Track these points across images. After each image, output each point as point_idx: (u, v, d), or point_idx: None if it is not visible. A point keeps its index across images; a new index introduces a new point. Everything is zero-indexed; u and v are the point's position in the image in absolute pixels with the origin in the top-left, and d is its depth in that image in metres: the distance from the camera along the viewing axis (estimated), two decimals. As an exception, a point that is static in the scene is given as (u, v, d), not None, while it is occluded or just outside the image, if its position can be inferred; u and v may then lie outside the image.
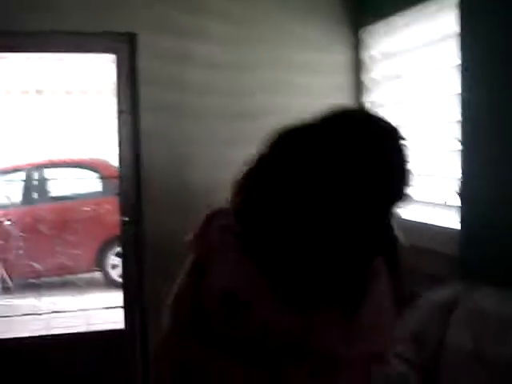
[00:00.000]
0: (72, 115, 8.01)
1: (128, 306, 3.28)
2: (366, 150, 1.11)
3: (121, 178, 3.23)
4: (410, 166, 1.17)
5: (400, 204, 1.17)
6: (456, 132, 2.39)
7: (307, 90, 3.24)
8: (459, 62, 2.35)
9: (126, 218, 3.18)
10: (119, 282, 4.57)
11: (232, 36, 3.22)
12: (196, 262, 1.27)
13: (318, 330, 1.12)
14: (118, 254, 3.43)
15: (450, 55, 2.45)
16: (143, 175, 3.13)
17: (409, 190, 1.16)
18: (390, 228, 1.21)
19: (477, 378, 1.89)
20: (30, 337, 3.53)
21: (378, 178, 1.11)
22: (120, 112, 3.17)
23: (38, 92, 7.91)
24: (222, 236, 1.23)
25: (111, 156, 5.63)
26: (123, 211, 3.22)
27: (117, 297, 4.54)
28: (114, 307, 4.52)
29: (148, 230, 3.13)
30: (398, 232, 1.23)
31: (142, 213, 3.14)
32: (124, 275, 3.34)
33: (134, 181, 3.15)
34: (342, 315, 1.13)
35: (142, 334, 3.22)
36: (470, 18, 2.32)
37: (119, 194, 3.29)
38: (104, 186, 6.76)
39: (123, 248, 3.30)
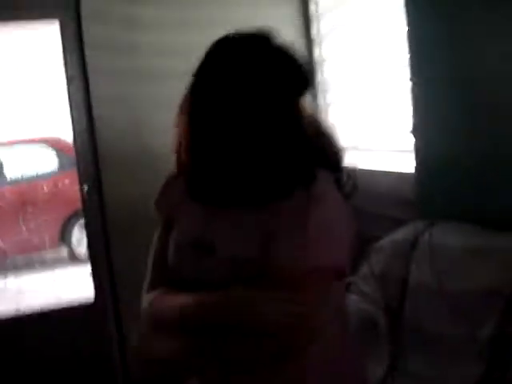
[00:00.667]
0: (16, 92, 7.80)
1: (96, 276, 3.28)
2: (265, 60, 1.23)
3: (77, 146, 3.19)
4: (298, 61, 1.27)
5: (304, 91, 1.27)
6: (406, 75, 2.42)
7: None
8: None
9: (86, 187, 3.16)
10: (85, 257, 4.54)
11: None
12: (164, 222, 1.36)
13: (278, 251, 1.17)
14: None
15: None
16: (100, 142, 3.10)
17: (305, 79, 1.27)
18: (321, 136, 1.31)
19: (440, 314, 1.94)
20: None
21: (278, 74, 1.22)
22: (70, 79, 3.11)
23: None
24: (179, 195, 1.32)
25: (64, 130, 5.53)
26: (83, 181, 3.19)
27: (84, 271, 4.54)
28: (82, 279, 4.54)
29: (109, 197, 3.12)
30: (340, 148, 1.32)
31: (101, 180, 3.13)
32: (89, 244, 3.32)
33: (91, 149, 3.12)
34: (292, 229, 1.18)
35: (114, 302, 3.23)
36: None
37: (77, 164, 3.25)
38: (60, 162, 6.66)
39: (86, 217, 3.28)
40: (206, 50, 1.28)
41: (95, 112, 3.09)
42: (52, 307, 3.48)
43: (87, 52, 3.06)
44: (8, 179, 6.62)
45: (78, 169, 3.23)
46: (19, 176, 6.64)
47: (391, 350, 2.07)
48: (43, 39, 4.61)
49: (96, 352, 3.30)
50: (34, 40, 6.52)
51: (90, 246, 3.33)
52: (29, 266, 6.27)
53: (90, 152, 3.13)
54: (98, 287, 3.29)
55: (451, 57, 2.16)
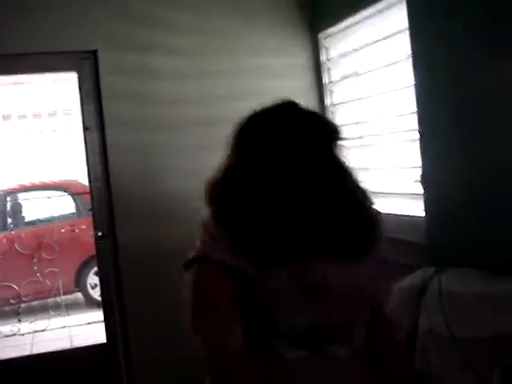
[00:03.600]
0: (40, 138, 7.99)
1: (109, 320, 3.29)
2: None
3: (92, 193, 3.25)
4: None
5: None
6: (414, 122, 2.46)
7: (272, 93, 3.22)
8: (411, 54, 2.43)
9: (100, 233, 3.21)
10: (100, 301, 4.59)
11: (194, 48, 3.27)
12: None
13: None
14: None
15: (403, 49, 2.53)
16: (114, 189, 3.16)
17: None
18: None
19: (450, 359, 1.95)
20: (14, 358, 3.52)
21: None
22: (86, 129, 3.20)
23: (5, 118, 7.90)
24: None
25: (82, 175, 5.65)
26: (97, 226, 3.24)
27: (98, 316, 4.58)
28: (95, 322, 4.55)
29: (123, 242, 3.16)
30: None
31: (115, 226, 3.18)
32: (102, 289, 3.34)
33: (105, 195, 3.18)
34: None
35: (124, 345, 3.24)
36: (418, 12, 2.41)
37: (91, 210, 3.31)
38: (78, 207, 6.74)
39: (99, 262, 3.32)
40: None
41: (110, 160, 3.16)
42: (66, 348, 3.50)
43: (104, 103, 3.15)
44: (25, 222, 6.70)
45: (93, 214, 3.29)
46: (36, 218, 6.70)
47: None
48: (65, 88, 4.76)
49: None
50: (57, 89, 6.71)
51: (102, 290, 3.35)
52: (43, 310, 6.28)
53: (105, 198, 3.19)
54: (110, 330, 3.30)
55: (455, 107, 2.22)
